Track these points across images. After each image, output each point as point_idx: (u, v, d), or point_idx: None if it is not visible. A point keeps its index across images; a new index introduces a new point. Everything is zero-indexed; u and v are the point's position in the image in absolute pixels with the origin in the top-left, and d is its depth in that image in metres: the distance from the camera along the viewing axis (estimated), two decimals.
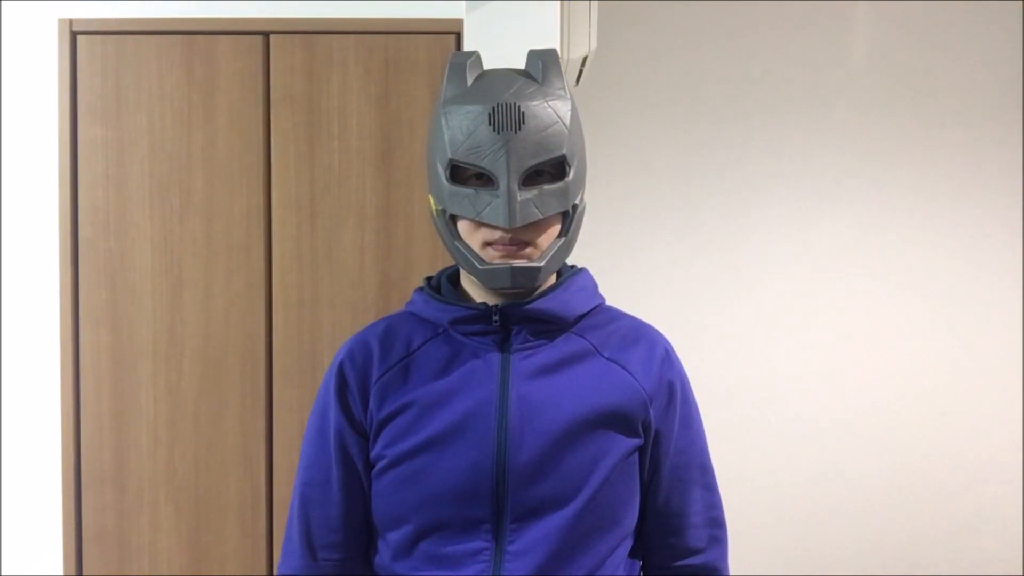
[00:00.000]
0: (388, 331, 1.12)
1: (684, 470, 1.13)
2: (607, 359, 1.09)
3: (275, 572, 1.50)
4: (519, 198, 1.00)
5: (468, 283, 1.13)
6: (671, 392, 1.11)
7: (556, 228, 1.06)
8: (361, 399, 1.09)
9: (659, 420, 1.10)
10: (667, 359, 1.13)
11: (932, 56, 2.83)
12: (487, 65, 1.11)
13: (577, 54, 1.94)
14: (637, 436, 1.08)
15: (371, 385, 1.09)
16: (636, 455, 1.09)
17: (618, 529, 1.08)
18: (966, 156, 2.85)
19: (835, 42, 2.84)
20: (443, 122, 1.03)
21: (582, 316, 1.11)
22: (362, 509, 1.11)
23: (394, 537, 1.08)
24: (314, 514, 1.12)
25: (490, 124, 0.99)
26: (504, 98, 1.00)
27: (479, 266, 1.03)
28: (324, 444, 1.11)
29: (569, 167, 1.04)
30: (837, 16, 2.83)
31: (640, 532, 1.14)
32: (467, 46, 1.77)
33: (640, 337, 1.13)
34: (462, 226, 1.05)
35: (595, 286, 1.17)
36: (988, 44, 2.83)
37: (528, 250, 1.03)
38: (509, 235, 1.01)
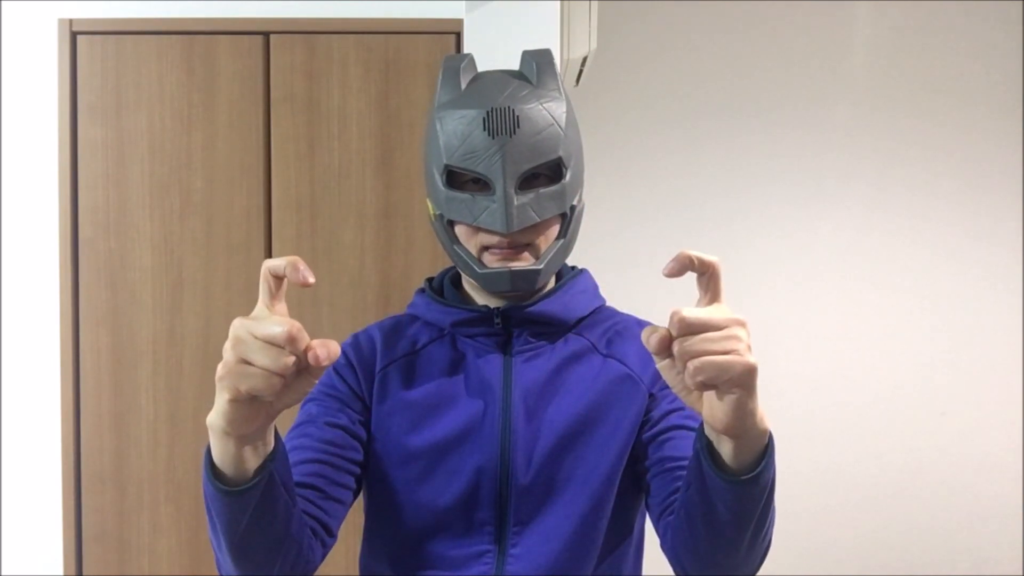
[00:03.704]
0: (394, 327, 1.12)
1: (682, 419, 1.04)
2: (604, 356, 1.08)
3: None
4: (516, 202, 0.99)
5: (469, 285, 1.12)
6: None
7: (555, 230, 1.05)
8: (365, 382, 1.06)
9: (657, 388, 1.06)
10: None
11: (932, 56, 2.83)
12: (487, 65, 1.10)
13: (577, 54, 1.94)
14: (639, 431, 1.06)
15: (375, 372, 1.07)
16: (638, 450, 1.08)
17: (621, 529, 1.07)
18: (966, 156, 2.85)
19: (835, 42, 2.83)
20: (438, 127, 1.03)
21: (582, 319, 1.11)
22: (339, 459, 1.00)
23: (396, 538, 1.07)
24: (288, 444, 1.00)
25: (484, 129, 0.99)
26: (498, 102, 1.00)
27: (478, 270, 1.03)
28: (312, 397, 1.05)
29: (565, 169, 1.03)
30: (837, 16, 2.83)
31: (649, 506, 1.10)
32: (467, 46, 1.77)
33: (638, 330, 1.12)
34: (460, 230, 1.05)
35: (595, 287, 1.17)
36: (988, 44, 2.83)
37: (526, 253, 1.03)
38: (507, 239, 1.01)
